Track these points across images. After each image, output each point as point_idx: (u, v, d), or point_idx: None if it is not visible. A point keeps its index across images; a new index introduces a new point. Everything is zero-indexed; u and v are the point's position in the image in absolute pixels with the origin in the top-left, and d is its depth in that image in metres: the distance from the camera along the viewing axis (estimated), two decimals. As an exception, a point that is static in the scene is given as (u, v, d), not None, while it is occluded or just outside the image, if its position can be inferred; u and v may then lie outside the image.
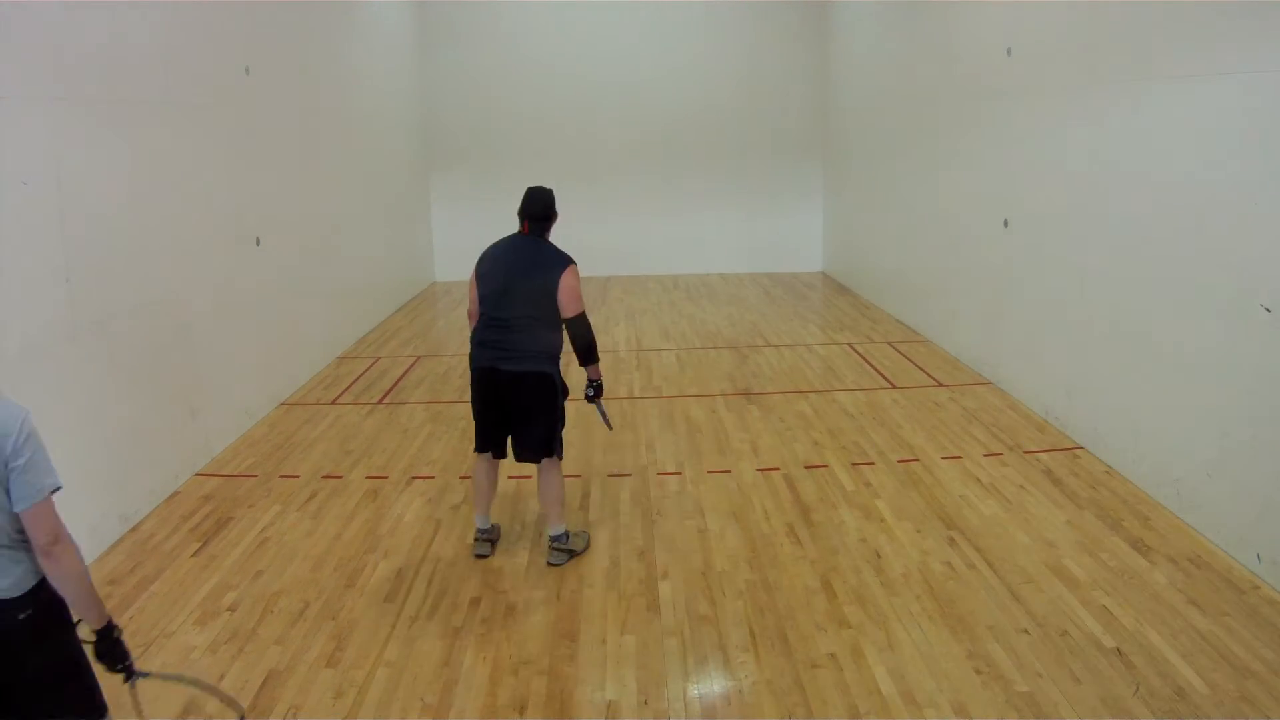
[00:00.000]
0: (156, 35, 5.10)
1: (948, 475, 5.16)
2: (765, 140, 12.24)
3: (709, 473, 5.31)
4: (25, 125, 3.98)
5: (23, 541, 2.28)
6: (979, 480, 5.08)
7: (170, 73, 5.23)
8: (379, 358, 8.13)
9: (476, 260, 4.22)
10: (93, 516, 4.36)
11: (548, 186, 4.27)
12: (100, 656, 2.38)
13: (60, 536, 2.26)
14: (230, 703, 3.03)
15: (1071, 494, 4.86)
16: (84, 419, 4.33)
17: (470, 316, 4.26)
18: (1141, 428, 4.91)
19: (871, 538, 4.44)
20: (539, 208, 4.18)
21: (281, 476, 5.34)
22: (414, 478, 5.31)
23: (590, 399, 4.27)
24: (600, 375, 4.27)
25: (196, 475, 5.35)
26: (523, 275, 4.07)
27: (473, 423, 4.32)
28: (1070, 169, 5.59)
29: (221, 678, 3.40)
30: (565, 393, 4.22)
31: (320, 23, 8.01)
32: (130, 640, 3.60)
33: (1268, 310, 3.90)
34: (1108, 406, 5.26)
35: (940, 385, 6.92)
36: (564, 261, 4.09)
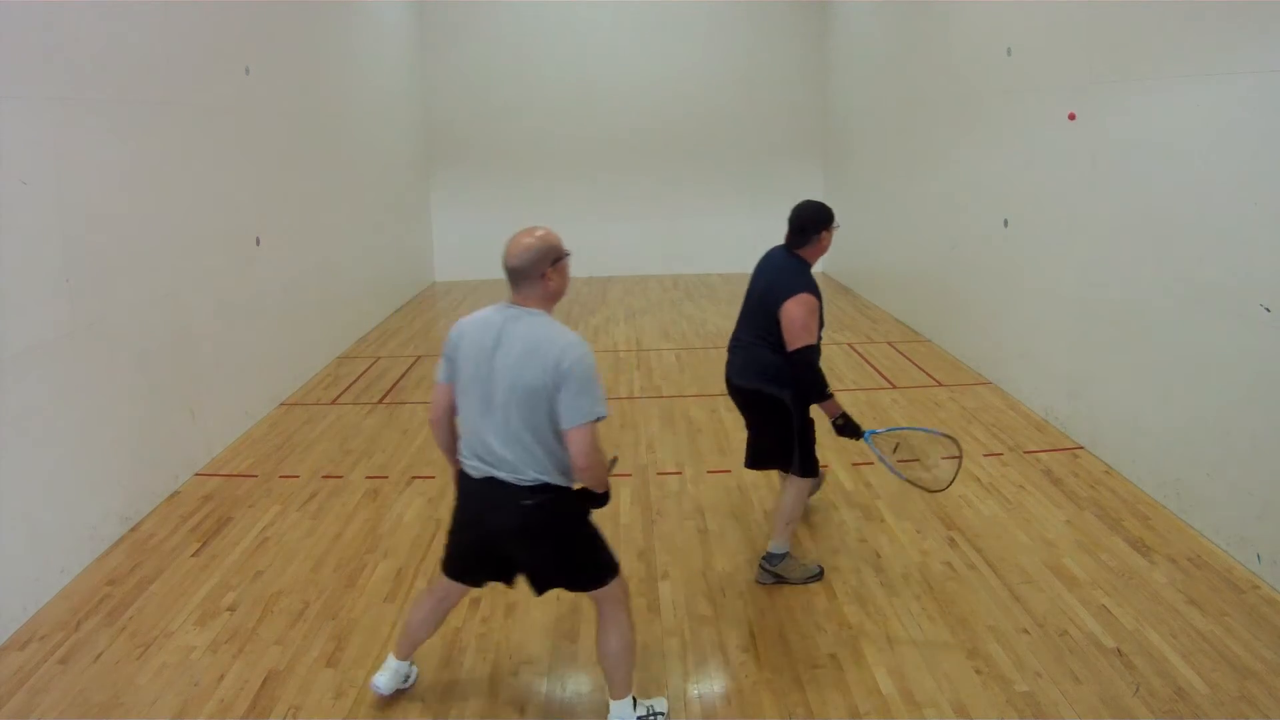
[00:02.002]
0: (157, 35, 5.10)
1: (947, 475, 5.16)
2: (765, 140, 12.24)
3: (709, 473, 5.31)
4: (25, 125, 3.98)
5: (540, 444, 2.74)
6: (979, 480, 5.08)
7: (170, 73, 5.23)
8: (379, 358, 8.13)
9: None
10: (93, 516, 4.36)
11: (815, 200, 3.91)
12: (584, 497, 2.91)
13: (593, 461, 2.75)
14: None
15: (1071, 494, 4.86)
16: (84, 419, 4.33)
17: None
18: (1141, 428, 4.91)
19: (871, 538, 4.44)
20: (793, 219, 3.85)
21: (281, 476, 5.34)
22: (414, 478, 5.31)
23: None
24: (836, 412, 3.78)
25: (196, 475, 5.35)
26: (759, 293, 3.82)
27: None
28: (1070, 169, 5.58)
29: (221, 678, 3.40)
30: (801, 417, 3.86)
31: (320, 23, 8.01)
32: (130, 640, 3.63)
33: (1268, 310, 3.90)
34: (1108, 406, 5.26)
35: (940, 385, 6.92)
36: (793, 289, 3.68)
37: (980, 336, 7.14)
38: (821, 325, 3.76)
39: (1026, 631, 3.61)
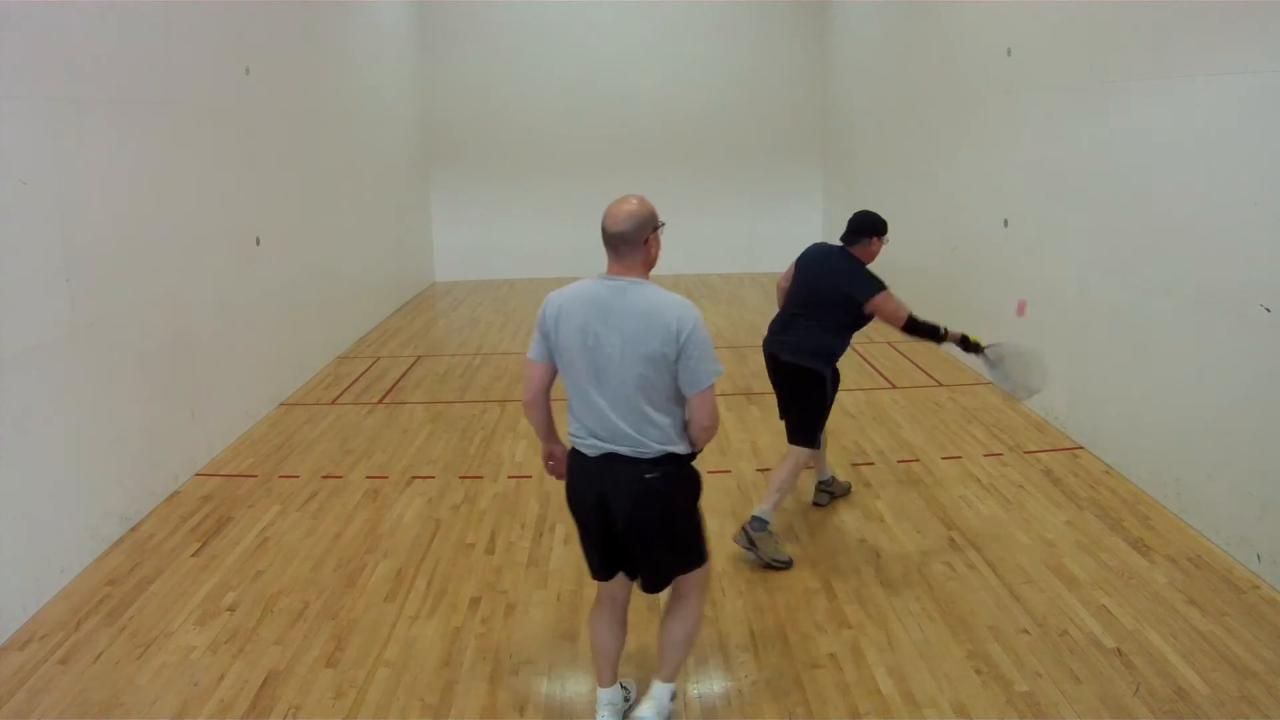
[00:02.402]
0: (156, 35, 5.10)
1: (948, 475, 5.16)
2: (765, 140, 12.24)
3: (709, 473, 5.30)
4: (25, 125, 3.98)
5: (663, 413, 2.73)
6: (979, 480, 5.08)
7: (170, 73, 5.23)
8: (379, 358, 8.13)
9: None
10: (93, 516, 4.36)
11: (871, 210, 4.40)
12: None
13: (715, 421, 2.77)
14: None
15: (1071, 494, 4.86)
16: (84, 419, 4.33)
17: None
18: (1141, 428, 4.91)
19: (871, 538, 4.44)
20: (853, 221, 4.38)
21: (281, 476, 5.34)
22: (414, 478, 5.31)
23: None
24: (958, 337, 4.39)
25: (196, 475, 5.35)
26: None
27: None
28: (1070, 169, 5.59)
29: (221, 678, 3.40)
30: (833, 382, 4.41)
31: (320, 23, 8.01)
32: (130, 640, 3.63)
33: (1268, 310, 3.90)
34: (1108, 406, 5.26)
35: (940, 385, 6.92)
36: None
37: (980, 336, 7.12)
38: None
39: (1026, 631, 3.61)
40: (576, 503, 2.91)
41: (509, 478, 5.23)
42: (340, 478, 5.32)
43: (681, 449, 2.79)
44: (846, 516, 4.68)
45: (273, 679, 3.40)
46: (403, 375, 7.53)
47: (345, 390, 7.12)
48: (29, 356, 3.94)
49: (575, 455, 2.87)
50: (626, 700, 3.15)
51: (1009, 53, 6.41)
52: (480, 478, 5.30)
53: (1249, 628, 3.57)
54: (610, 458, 2.77)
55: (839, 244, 4.37)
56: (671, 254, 12.94)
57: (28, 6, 4.01)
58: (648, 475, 2.74)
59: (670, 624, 2.99)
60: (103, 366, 4.50)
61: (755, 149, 12.24)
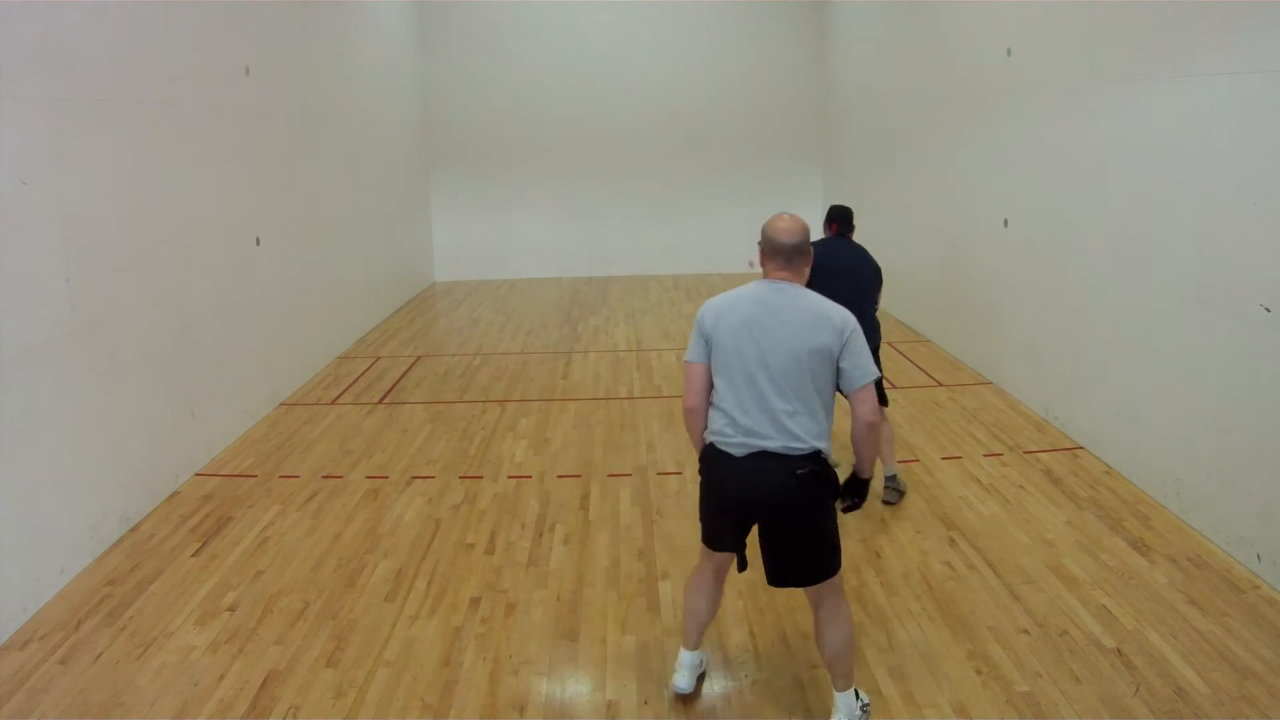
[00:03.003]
0: (156, 35, 5.10)
1: (948, 475, 5.16)
2: (765, 140, 12.24)
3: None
4: (25, 125, 3.98)
5: (822, 408, 2.88)
6: (979, 480, 5.08)
7: (170, 73, 5.23)
8: (379, 358, 8.13)
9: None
10: (93, 516, 4.36)
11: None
12: (848, 489, 3.06)
13: (878, 416, 2.92)
14: None
15: (1071, 494, 4.86)
16: (84, 419, 4.33)
17: None
18: (1141, 428, 4.91)
19: (871, 538, 4.44)
20: (844, 214, 4.91)
21: (281, 476, 5.34)
22: (414, 478, 5.31)
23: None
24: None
25: (196, 475, 5.35)
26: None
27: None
28: (1070, 169, 5.58)
29: (221, 678, 3.40)
30: None
31: (320, 23, 8.00)
32: (130, 640, 3.63)
33: (1268, 310, 3.89)
34: (1108, 406, 5.26)
35: (940, 385, 6.92)
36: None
37: (980, 336, 7.15)
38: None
39: (1026, 631, 3.61)
40: (718, 499, 3.00)
41: (509, 478, 5.23)
42: (340, 478, 5.32)
43: (826, 447, 2.91)
44: (846, 516, 4.67)
45: (273, 679, 3.40)
46: (403, 375, 7.53)
47: (345, 390, 7.12)
48: (29, 356, 3.94)
49: (719, 455, 2.94)
50: (702, 665, 3.31)
51: (1009, 53, 6.41)
52: (480, 478, 5.30)
53: (1249, 628, 3.57)
54: (760, 456, 2.86)
55: (843, 237, 4.76)
56: (672, 254, 12.94)
57: (28, 6, 4.01)
58: (799, 471, 2.83)
59: (830, 635, 2.98)
60: (103, 366, 4.50)
61: (755, 149, 12.24)
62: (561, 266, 12.37)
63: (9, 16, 3.89)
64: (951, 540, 4.39)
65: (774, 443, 2.84)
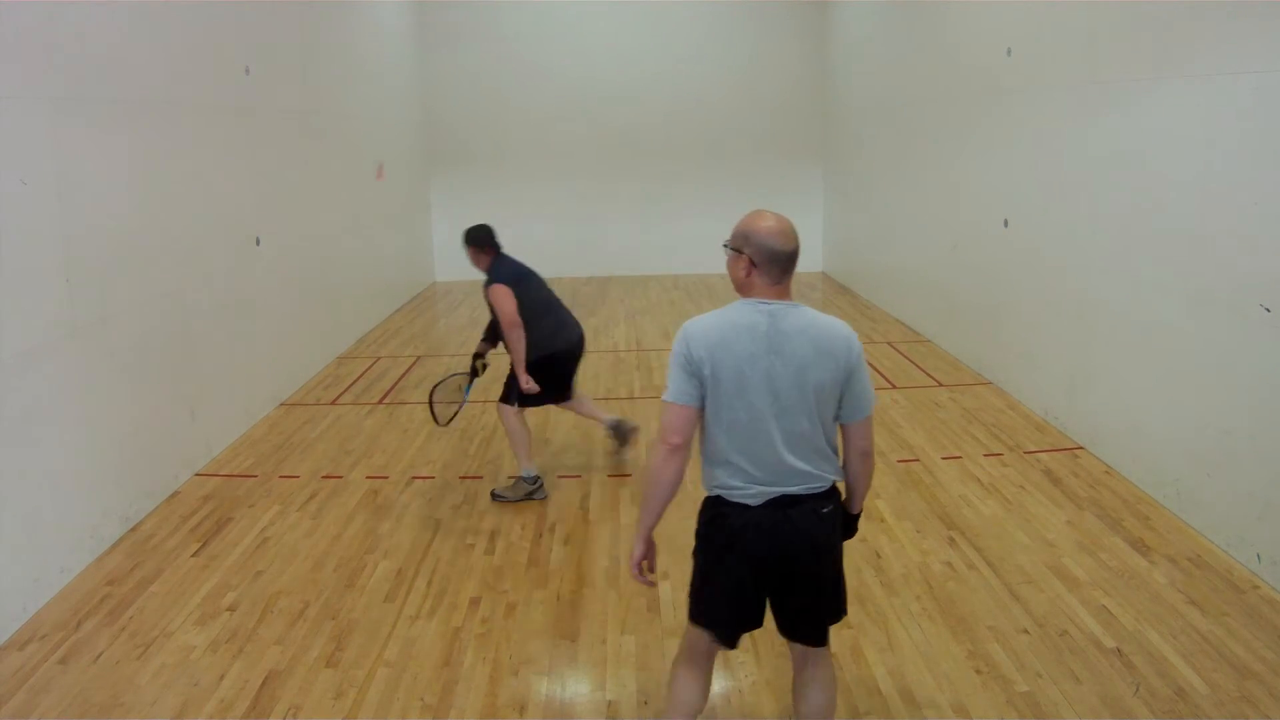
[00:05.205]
0: (156, 35, 5.10)
1: (948, 475, 5.16)
2: (765, 140, 12.24)
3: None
4: (25, 125, 3.98)
5: (829, 442, 2.54)
6: (979, 480, 5.08)
7: (170, 73, 5.23)
8: (379, 358, 8.13)
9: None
10: (93, 516, 4.36)
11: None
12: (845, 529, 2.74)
13: (873, 442, 2.63)
14: None
15: (1071, 494, 4.86)
16: (84, 419, 4.33)
17: None
18: (1141, 428, 4.91)
19: (871, 538, 4.44)
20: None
21: (281, 476, 5.34)
22: (414, 478, 5.31)
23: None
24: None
25: (196, 475, 5.35)
26: None
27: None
28: (1070, 169, 5.59)
29: (221, 678, 3.40)
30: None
31: (320, 22, 8.01)
32: (130, 640, 3.63)
33: (1268, 310, 3.90)
34: (1108, 406, 5.26)
35: (940, 385, 6.92)
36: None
37: (980, 336, 7.14)
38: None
39: (1026, 631, 3.61)
40: (737, 560, 2.55)
41: (509, 478, 5.23)
42: (340, 478, 5.32)
43: (839, 479, 2.62)
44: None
45: (273, 679, 3.40)
46: (403, 375, 7.53)
47: (345, 390, 7.12)
48: (29, 356, 3.94)
49: (732, 509, 2.53)
50: None
51: (1009, 53, 6.41)
52: (480, 478, 5.30)
53: (1249, 628, 3.57)
54: (780, 502, 2.49)
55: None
56: (672, 254, 12.94)
57: (28, 6, 4.01)
58: (824, 510, 2.53)
59: (815, 693, 2.66)
60: (103, 366, 4.50)
61: (755, 149, 12.23)
62: (561, 266, 12.31)
63: (9, 16, 3.89)
64: (951, 540, 4.39)
65: (793, 486, 2.49)
